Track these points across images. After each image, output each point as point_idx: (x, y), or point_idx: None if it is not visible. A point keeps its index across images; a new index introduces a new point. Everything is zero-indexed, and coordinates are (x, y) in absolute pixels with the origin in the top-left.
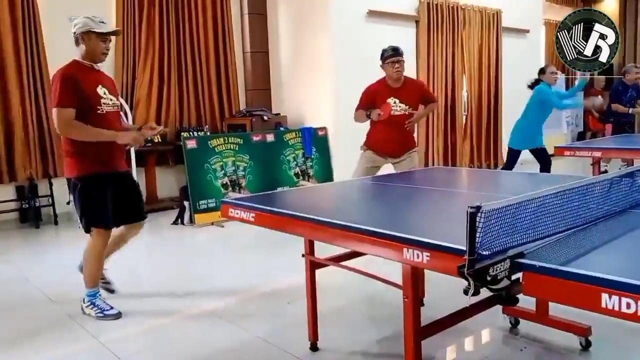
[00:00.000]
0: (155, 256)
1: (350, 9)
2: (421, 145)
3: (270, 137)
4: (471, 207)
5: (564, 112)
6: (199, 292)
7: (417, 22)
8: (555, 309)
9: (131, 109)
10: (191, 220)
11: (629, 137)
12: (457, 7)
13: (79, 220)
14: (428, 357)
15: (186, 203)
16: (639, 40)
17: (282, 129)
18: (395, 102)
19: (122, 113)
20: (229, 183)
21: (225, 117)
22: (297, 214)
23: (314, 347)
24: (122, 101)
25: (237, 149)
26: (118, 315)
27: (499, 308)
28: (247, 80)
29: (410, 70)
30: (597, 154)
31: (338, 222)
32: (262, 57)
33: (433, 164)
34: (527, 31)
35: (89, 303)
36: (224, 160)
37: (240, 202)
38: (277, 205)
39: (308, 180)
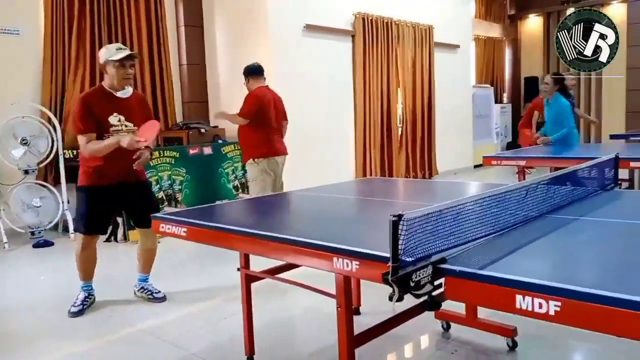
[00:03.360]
0: None
1: (287, 23)
2: (358, 157)
3: (207, 150)
4: (393, 216)
5: (494, 122)
6: (133, 310)
7: (353, 36)
8: (485, 312)
9: (60, 122)
10: (125, 237)
11: (551, 147)
12: (391, 23)
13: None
14: None
15: (119, 219)
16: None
17: (220, 141)
18: None
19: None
20: (164, 197)
21: (161, 130)
22: (228, 227)
23: None
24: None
25: (173, 162)
26: (77, 314)
27: (431, 313)
28: (184, 93)
29: (346, 84)
30: (522, 163)
31: (268, 234)
32: (199, 70)
33: (370, 175)
34: (458, 46)
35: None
36: (159, 174)
37: (171, 217)
38: (208, 219)
39: (248, 193)
